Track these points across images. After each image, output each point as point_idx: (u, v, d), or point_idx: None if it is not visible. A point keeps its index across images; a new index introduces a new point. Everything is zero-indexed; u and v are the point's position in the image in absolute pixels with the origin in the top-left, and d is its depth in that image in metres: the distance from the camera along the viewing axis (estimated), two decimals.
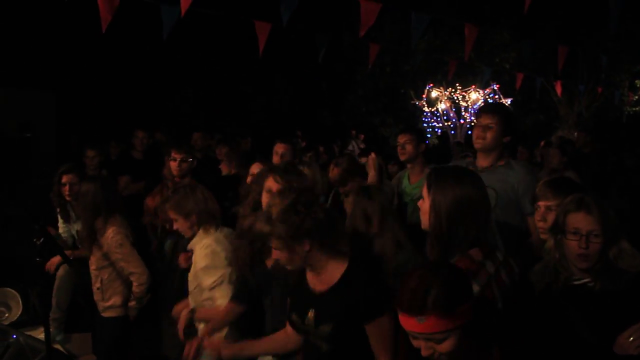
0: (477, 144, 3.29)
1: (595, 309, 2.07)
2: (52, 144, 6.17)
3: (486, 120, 3.25)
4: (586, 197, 2.17)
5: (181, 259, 3.70)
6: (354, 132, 15.38)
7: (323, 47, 6.58)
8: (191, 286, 3.28)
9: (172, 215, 3.34)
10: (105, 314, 3.87)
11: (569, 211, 2.13)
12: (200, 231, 3.29)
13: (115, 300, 3.83)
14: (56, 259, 4.51)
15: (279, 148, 4.52)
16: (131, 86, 14.97)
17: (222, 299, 3.12)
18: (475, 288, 1.85)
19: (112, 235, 3.75)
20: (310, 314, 2.27)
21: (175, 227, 3.37)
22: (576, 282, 2.14)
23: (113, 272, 3.82)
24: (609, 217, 2.13)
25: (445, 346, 1.61)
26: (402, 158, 4.26)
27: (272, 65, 15.38)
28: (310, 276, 2.35)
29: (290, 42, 10.83)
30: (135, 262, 3.78)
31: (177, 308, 3.37)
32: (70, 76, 13.11)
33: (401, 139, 4.25)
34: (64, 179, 4.53)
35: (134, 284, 3.78)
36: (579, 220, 2.10)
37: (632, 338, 1.94)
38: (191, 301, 3.30)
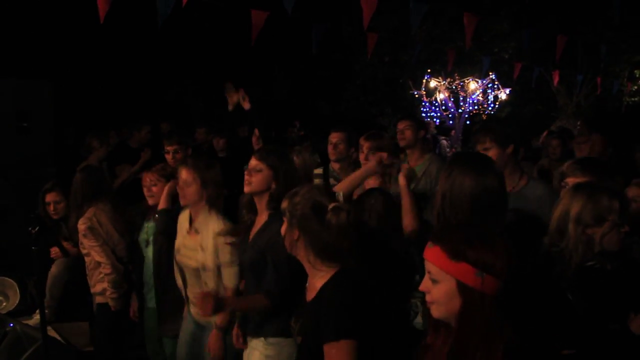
0: None
1: (609, 289, 2.12)
2: (49, 133, 6.16)
3: (483, 145, 3.02)
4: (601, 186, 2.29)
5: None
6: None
7: (318, 37, 6.56)
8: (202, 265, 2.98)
9: (187, 175, 2.96)
10: (97, 300, 3.90)
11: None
12: (207, 208, 2.98)
13: (99, 287, 3.84)
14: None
15: (333, 137, 4.20)
16: (129, 76, 14.91)
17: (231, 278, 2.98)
18: None
19: (79, 224, 3.75)
20: (297, 320, 2.20)
21: (182, 191, 2.96)
22: (588, 264, 2.19)
23: (93, 259, 3.82)
24: None
25: (436, 290, 1.60)
26: (402, 144, 4.37)
27: (270, 55, 15.31)
28: (308, 280, 2.19)
29: (289, 31, 10.78)
30: (100, 253, 3.71)
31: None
32: (68, 65, 13.05)
33: (400, 125, 4.36)
34: (47, 198, 4.24)
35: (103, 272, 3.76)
36: (617, 209, 2.21)
37: None
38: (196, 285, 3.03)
